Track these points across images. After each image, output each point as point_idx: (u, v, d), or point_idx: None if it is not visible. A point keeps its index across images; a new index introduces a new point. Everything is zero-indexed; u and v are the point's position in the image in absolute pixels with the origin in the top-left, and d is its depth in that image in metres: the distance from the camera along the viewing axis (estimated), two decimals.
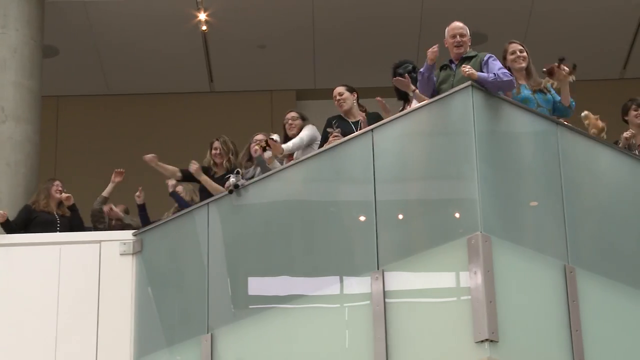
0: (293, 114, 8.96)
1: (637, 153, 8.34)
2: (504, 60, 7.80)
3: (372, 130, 7.51)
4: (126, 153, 12.20)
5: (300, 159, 8.19)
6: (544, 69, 7.86)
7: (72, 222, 9.40)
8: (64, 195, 9.39)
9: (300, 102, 13.04)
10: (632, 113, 8.60)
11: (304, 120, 8.90)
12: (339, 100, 8.56)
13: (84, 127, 13.30)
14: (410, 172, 7.31)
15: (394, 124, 7.45)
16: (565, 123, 7.75)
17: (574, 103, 7.94)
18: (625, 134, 8.46)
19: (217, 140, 9.29)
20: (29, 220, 9.29)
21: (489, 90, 7.16)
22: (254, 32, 12.38)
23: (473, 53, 7.59)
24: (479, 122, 6.98)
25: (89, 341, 8.43)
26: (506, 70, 7.40)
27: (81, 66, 12.83)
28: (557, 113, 7.90)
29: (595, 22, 12.44)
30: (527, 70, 7.84)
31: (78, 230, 9.32)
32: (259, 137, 8.93)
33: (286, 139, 8.88)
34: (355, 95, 8.60)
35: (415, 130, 7.38)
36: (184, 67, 12.91)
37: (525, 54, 7.84)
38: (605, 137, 8.28)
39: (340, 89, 8.63)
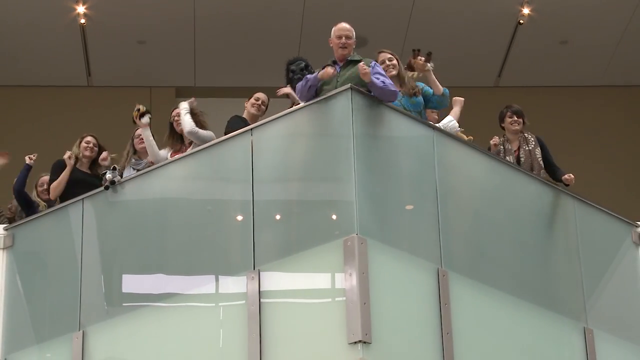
0: (179, 111, 8.87)
1: (510, 159, 8.53)
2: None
3: (251, 129, 7.51)
4: (1, 144, 11.95)
5: (179, 156, 8.13)
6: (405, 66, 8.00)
7: None
8: None
9: (180, 99, 12.95)
10: (508, 120, 8.75)
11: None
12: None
13: None
14: (289, 173, 7.32)
15: (275, 124, 7.44)
16: (441, 128, 7.86)
17: (447, 90, 8.05)
18: (493, 141, 8.62)
19: (90, 135, 9.17)
20: None
21: (375, 95, 7.20)
22: (134, 27, 12.28)
23: (358, 57, 7.61)
24: (358, 125, 7.02)
25: None
26: (384, 73, 7.46)
27: None
28: (433, 105, 8.02)
29: (472, 29, 12.67)
30: (399, 76, 7.94)
31: None
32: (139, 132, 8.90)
33: (174, 134, 8.79)
34: None
35: (295, 131, 7.40)
36: (61, 60, 12.72)
37: (395, 61, 7.95)
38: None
39: None
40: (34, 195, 9.27)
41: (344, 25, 7.70)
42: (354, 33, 7.67)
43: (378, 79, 7.24)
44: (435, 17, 12.47)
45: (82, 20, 12.05)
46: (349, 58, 7.58)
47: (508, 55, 13.17)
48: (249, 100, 8.69)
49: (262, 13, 12.22)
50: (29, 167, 9.08)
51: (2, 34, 12.21)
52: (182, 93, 13.15)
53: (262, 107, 8.63)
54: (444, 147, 7.56)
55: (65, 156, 8.91)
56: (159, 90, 13.22)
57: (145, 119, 8.54)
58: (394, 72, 7.89)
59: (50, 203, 9.06)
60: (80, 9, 11.92)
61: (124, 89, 13.14)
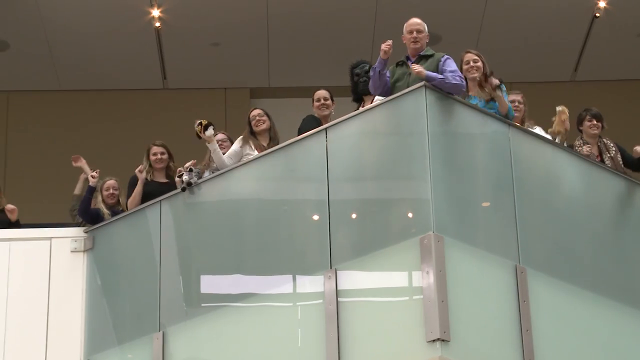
0: (260, 111, 8.84)
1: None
2: (460, 70, 7.75)
3: (326, 129, 7.52)
4: (77, 149, 12.09)
5: (253, 157, 8.17)
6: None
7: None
8: (8, 206, 9.10)
9: (254, 100, 13.03)
10: (587, 124, 8.69)
11: (270, 118, 8.81)
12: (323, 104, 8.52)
13: (35, 123, 13.19)
14: (364, 172, 7.32)
15: (349, 123, 7.45)
16: (517, 125, 7.80)
17: (512, 112, 7.98)
18: (585, 151, 8.45)
19: (155, 145, 9.10)
20: None
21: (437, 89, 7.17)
22: (208, 29, 12.36)
23: (431, 52, 7.58)
24: (432, 122, 7.01)
25: (39, 339, 8.35)
26: (460, 74, 7.41)
27: (32, 61, 12.72)
28: None
29: (547, 24, 12.55)
30: (480, 80, 7.79)
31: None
32: (221, 136, 8.93)
33: (252, 134, 8.75)
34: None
35: (369, 130, 7.40)
36: (137, 63, 12.85)
37: (479, 63, 7.77)
38: (559, 140, 8.33)
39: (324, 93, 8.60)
40: (99, 200, 9.06)
41: (415, 19, 7.70)
42: (426, 27, 7.64)
43: (444, 72, 7.22)
44: (510, 12, 12.36)
45: (157, 24, 12.17)
46: (421, 53, 7.56)
47: (584, 49, 13.01)
48: (313, 103, 8.64)
49: (335, 12, 12.22)
50: (92, 190, 8.88)
51: (78, 39, 12.38)
52: (257, 94, 13.23)
53: (326, 103, 8.57)
54: (520, 142, 7.50)
55: (137, 170, 8.86)
56: (234, 91, 13.30)
57: (209, 132, 8.35)
58: (476, 75, 7.72)
59: (114, 209, 9.00)
60: (155, 12, 12.03)
61: (199, 91, 13.25)
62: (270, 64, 12.99)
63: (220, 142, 8.85)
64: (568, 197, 7.66)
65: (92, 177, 8.87)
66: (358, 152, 7.39)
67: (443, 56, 7.47)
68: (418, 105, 7.08)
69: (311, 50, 12.68)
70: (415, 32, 7.58)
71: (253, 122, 8.70)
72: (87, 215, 8.88)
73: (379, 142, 7.35)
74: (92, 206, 8.95)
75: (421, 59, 7.51)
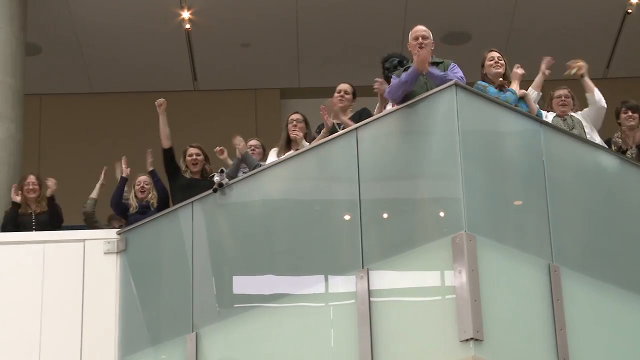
0: (298, 116, 8.82)
1: (630, 153, 8.43)
2: (482, 67, 7.96)
3: (356, 128, 7.51)
4: (109, 151, 12.17)
5: (284, 157, 8.18)
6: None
7: (51, 219, 9.35)
8: (49, 181, 9.40)
9: (284, 100, 13.05)
10: (623, 115, 8.75)
11: (307, 124, 8.79)
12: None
13: (67, 125, 13.28)
14: (395, 171, 7.31)
15: (379, 123, 7.45)
16: (549, 123, 7.78)
17: (540, 112, 8.05)
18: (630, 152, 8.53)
19: (192, 146, 9.27)
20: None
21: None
22: (238, 30, 12.38)
23: (439, 60, 7.62)
24: (463, 120, 6.99)
25: (74, 340, 8.40)
26: (462, 76, 7.42)
27: (64, 64, 12.80)
28: None
29: (579, 20, 12.48)
30: (505, 76, 7.96)
31: (57, 228, 9.29)
32: (253, 142, 8.95)
33: (287, 139, 8.73)
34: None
35: (399, 129, 7.38)
36: (167, 65, 12.90)
37: (503, 61, 7.99)
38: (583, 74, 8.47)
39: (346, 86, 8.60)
40: (131, 196, 9.40)
41: (420, 27, 7.71)
42: (431, 35, 7.65)
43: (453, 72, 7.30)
44: (540, 9, 12.31)
45: (187, 26, 12.20)
46: (431, 60, 7.57)
47: (616, 46, 12.93)
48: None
49: (364, 11, 12.21)
50: (124, 181, 9.38)
51: (109, 42, 12.44)
52: (287, 94, 13.24)
53: (346, 97, 8.52)
54: (552, 140, 7.47)
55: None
56: (264, 92, 13.32)
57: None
58: (501, 71, 7.93)
59: (142, 205, 9.25)
60: (185, 14, 12.06)
61: (229, 92, 13.27)
62: (300, 64, 13.00)
63: (252, 148, 8.89)
64: (601, 195, 7.62)
65: (126, 170, 9.35)
66: (389, 152, 7.38)
67: (451, 63, 7.56)
68: (449, 103, 7.06)
69: (341, 49, 12.67)
70: (420, 38, 7.60)
71: (289, 126, 8.67)
72: (118, 207, 9.32)
73: (410, 141, 7.34)
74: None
75: (432, 65, 7.54)
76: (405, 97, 7.38)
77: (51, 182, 9.48)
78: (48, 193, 9.45)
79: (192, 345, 7.80)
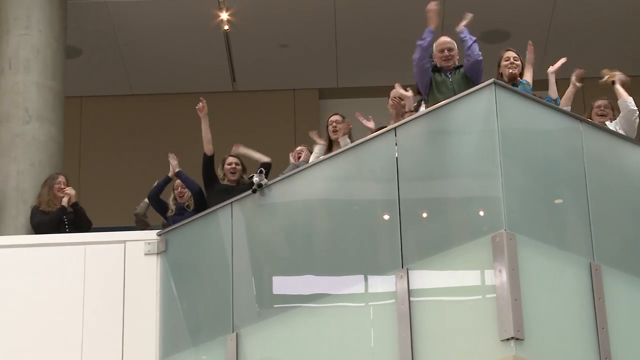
0: (337, 117, 8.87)
1: None
2: (497, 67, 8.04)
3: (395, 128, 7.51)
4: (149, 153, 12.25)
5: (323, 157, 8.19)
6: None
7: (76, 222, 9.39)
8: (66, 190, 9.39)
9: (323, 101, 13.05)
10: None
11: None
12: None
13: (107, 127, 13.35)
14: (434, 170, 7.30)
15: (417, 122, 7.45)
16: (589, 120, 7.74)
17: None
18: None
19: (231, 156, 9.34)
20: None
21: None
22: (276, 31, 12.39)
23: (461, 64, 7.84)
24: (502, 119, 6.97)
25: (115, 341, 8.45)
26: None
27: (104, 67, 12.88)
28: None
29: (618, 19, 12.37)
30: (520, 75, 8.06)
31: (86, 230, 9.34)
32: (299, 147, 9.01)
33: (329, 141, 8.81)
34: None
35: (438, 128, 7.37)
36: (206, 66, 12.94)
37: (519, 62, 8.06)
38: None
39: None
40: (171, 199, 9.59)
41: (445, 38, 7.95)
42: (456, 45, 7.87)
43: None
44: (580, 6, 12.22)
45: (226, 27, 12.24)
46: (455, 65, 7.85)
47: None
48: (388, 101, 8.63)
49: (401, 10, 12.18)
50: (167, 179, 9.53)
51: (149, 44, 12.50)
52: (325, 94, 13.24)
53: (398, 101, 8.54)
54: (592, 138, 7.42)
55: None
56: (302, 92, 13.32)
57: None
58: (515, 72, 7.99)
59: (180, 207, 9.38)
60: (224, 15, 12.09)
61: (267, 93, 13.30)
62: (338, 65, 13.00)
63: (298, 152, 8.94)
64: None
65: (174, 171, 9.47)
66: (428, 151, 7.37)
67: None
68: (488, 102, 7.05)
69: (379, 49, 12.65)
70: (446, 51, 7.76)
71: (329, 128, 8.74)
72: (156, 202, 9.53)
73: (448, 140, 7.33)
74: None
75: (457, 68, 7.77)
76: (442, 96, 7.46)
77: (71, 191, 9.45)
78: (64, 201, 9.36)
79: (232, 345, 7.83)
